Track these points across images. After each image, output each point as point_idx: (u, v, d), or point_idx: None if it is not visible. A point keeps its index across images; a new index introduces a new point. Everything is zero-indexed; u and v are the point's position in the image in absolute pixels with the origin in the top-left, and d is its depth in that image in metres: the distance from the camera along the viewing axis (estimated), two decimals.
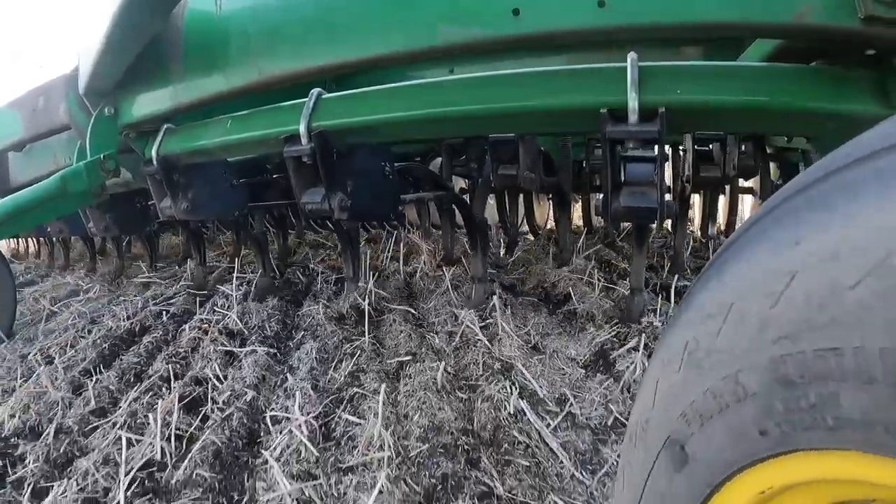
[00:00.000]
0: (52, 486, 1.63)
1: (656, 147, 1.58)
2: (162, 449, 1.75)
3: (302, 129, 2.03)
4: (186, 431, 1.84)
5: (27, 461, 1.78)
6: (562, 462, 1.56)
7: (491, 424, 1.69)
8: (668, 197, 2.17)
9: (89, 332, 2.84)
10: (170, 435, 1.80)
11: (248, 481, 1.62)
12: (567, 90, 1.70)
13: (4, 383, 2.40)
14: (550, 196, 3.48)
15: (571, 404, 1.82)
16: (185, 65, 2.42)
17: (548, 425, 1.71)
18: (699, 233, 4.43)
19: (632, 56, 1.62)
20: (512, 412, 1.73)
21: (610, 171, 1.63)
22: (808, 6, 1.37)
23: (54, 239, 5.07)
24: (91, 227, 3.32)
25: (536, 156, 2.36)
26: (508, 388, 1.84)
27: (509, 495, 1.40)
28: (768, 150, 3.62)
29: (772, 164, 3.98)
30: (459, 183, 4.45)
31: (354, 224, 2.70)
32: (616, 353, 2.10)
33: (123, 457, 1.71)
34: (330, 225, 4.51)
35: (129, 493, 1.56)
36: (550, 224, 4.46)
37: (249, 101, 2.43)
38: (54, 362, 2.46)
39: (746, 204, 4.91)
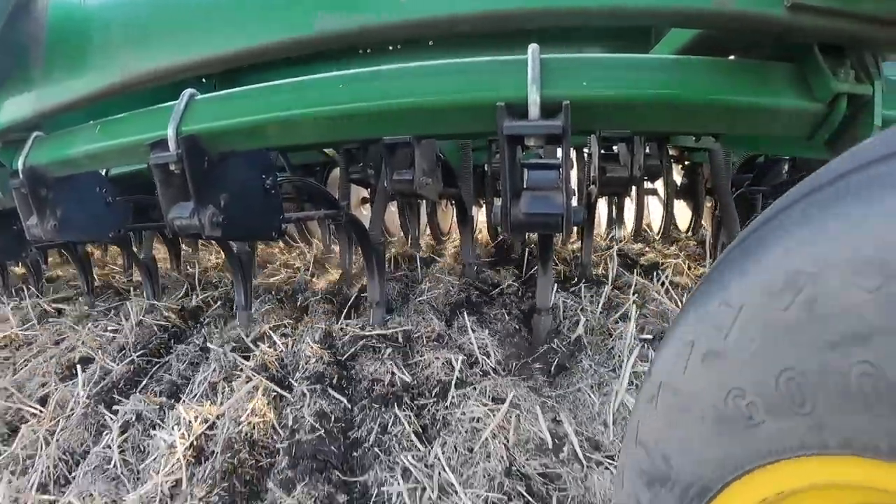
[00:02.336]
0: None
1: (560, 149, 1.29)
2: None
3: (170, 132, 1.64)
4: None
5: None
6: None
7: None
8: (574, 202, 1.89)
9: None
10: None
11: None
12: (462, 85, 1.38)
13: None
14: (454, 202, 3.15)
15: None
16: (48, 64, 1.98)
17: None
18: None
19: (533, 47, 1.34)
20: None
21: (509, 174, 1.31)
22: None
23: None
24: None
25: (434, 161, 2.02)
26: None
27: None
28: (672, 152, 3.45)
29: (676, 165, 3.84)
30: (361, 192, 4.07)
31: (244, 246, 2.30)
32: None
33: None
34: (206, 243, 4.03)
35: None
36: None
37: (131, 106, 2.01)
38: None
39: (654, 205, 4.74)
